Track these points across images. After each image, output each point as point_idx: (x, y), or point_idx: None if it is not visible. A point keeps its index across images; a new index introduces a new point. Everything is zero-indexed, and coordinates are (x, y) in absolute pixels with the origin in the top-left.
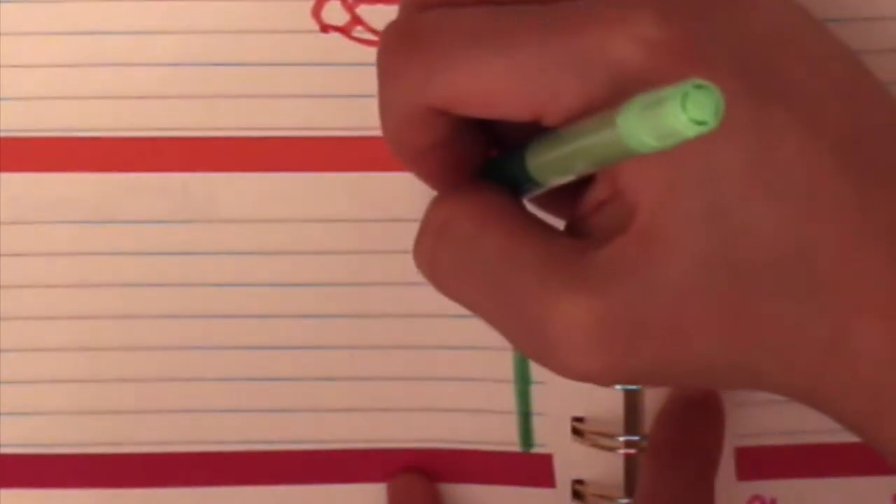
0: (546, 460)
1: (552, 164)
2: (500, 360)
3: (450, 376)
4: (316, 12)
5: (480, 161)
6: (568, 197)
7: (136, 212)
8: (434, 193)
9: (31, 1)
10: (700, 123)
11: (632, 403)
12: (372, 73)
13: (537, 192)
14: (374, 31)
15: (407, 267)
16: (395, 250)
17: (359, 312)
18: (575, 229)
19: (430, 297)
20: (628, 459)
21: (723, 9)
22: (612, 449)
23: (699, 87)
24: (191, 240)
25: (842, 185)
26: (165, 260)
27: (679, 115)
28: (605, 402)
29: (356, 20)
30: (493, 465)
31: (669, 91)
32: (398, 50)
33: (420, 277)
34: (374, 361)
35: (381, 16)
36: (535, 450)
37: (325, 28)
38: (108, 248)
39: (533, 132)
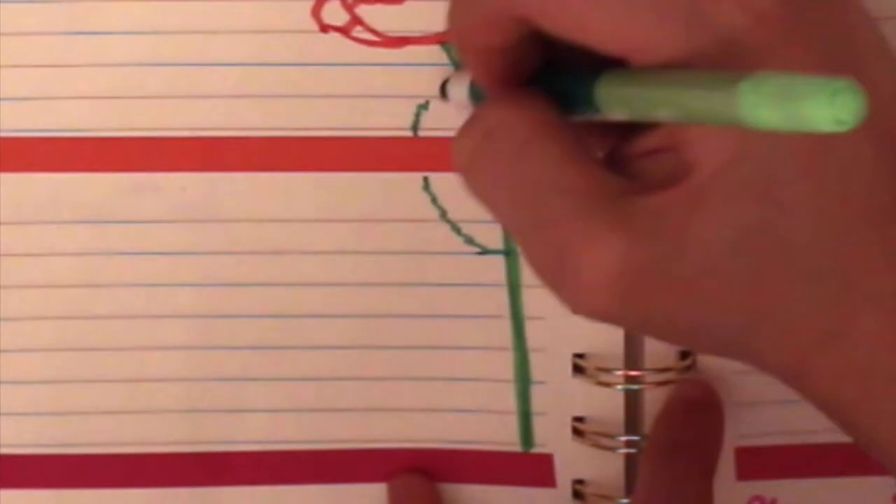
0: (546, 460)
1: (629, 100)
2: (500, 360)
3: (450, 376)
4: (316, 12)
5: (535, 68)
6: (612, 131)
7: (136, 212)
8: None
9: (31, 1)
10: (840, 123)
11: (632, 403)
12: (371, 73)
13: (590, 117)
14: (373, 31)
15: (407, 267)
16: (395, 251)
17: (359, 313)
18: (617, 166)
19: (431, 298)
20: (629, 459)
21: None
22: (612, 449)
23: (848, 87)
24: (190, 240)
25: (881, 193)
26: (165, 260)
27: (823, 109)
28: (606, 402)
29: (356, 20)
30: (493, 465)
31: (817, 83)
32: None
33: (420, 278)
34: (374, 361)
35: (381, 16)
36: (536, 450)
37: (324, 28)
38: (107, 248)
39: (597, 61)
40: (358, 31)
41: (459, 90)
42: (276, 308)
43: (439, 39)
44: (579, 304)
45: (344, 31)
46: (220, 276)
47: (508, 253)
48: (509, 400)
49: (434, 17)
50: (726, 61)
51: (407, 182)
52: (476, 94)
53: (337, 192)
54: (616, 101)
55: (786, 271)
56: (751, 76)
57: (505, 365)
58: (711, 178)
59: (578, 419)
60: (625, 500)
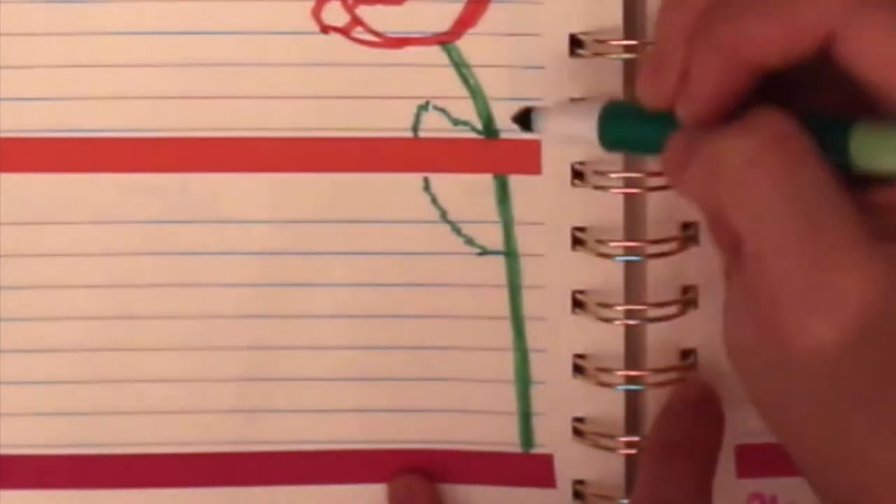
0: (547, 461)
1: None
2: (500, 360)
3: (450, 377)
4: (316, 13)
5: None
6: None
7: (136, 212)
8: None
9: (32, 2)
10: None
11: (632, 404)
12: (371, 73)
13: (843, 167)
14: (374, 32)
15: (407, 268)
16: (395, 251)
17: (359, 313)
18: (864, 209)
19: (431, 299)
20: (629, 459)
21: None
22: (612, 449)
23: None
24: (190, 240)
25: None
26: (165, 260)
27: None
28: (606, 402)
29: (356, 21)
30: (493, 466)
31: None
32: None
33: (420, 279)
34: (373, 362)
35: (381, 17)
36: (536, 450)
37: (325, 29)
38: (107, 248)
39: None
40: (358, 32)
41: (573, 124)
42: (276, 309)
43: (440, 40)
44: (816, 324)
45: (344, 31)
46: (220, 277)
47: (508, 254)
48: (509, 400)
49: (434, 18)
50: None
51: (407, 183)
52: (617, 132)
53: (337, 192)
54: (885, 157)
55: None
56: None
57: (505, 365)
58: None
59: (579, 419)
60: (625, 501)
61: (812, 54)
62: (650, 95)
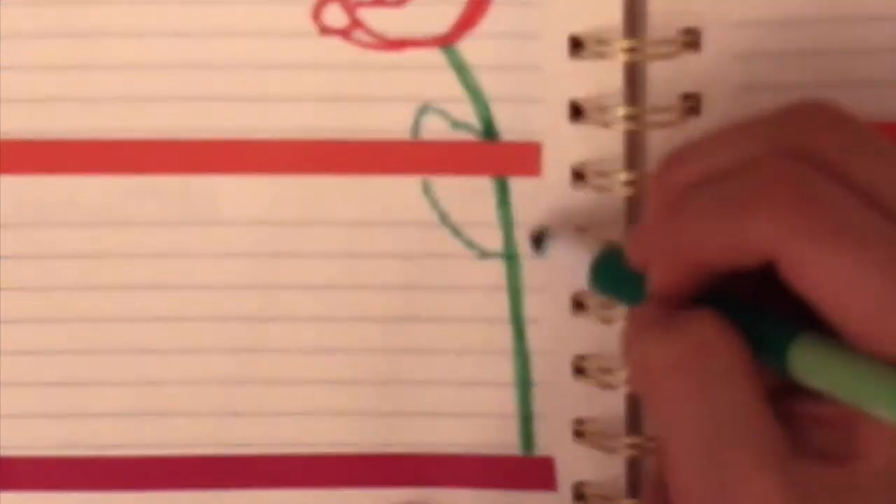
0: (548, 463)
1: (840, 383)
2: (500, 363)
3: (450, 380)
4: (316, 15)
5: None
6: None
7: (137, 214)
8: None
9: (32, 3)
10: None
11: (633, 405)
12: (370, 75)
13: (764, 361)
14: (373, 34)
15: (407, 271)
16: (395, 254)
17: (359, 316)
18: (781, 417)
19: (431, 301)
20: (630, 461)
21: None
22: (613, 450)
23: None
24: (191, 242)
25: None
26: (166, 262)
27: None
28: (607, 403)
29: (356, 23)
30: (494, 469)
31: None
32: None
33: (420, 282)
34: (373, 366)
35: (381, 19)
36: (537, 453)
37: (325, 31)
38: (108, 250)
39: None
40: (358, 34)
41: (574, 257)
42: (275, 311)
43: (439, 42)
44: None
45: (344, 33)
46: (220, 279)
47: (509, 256)
48: (510, 403)
49: (434, 21)
50: None
51: (407, 185)
52: (606, 268)
53: (337, 195)
54: (817, 375)
55: None
56: None
57: (505, 368)
58: (878, 472)
59: (579, 421)
60: (627, 502)
61: (759, 267)
62: (632, 255)
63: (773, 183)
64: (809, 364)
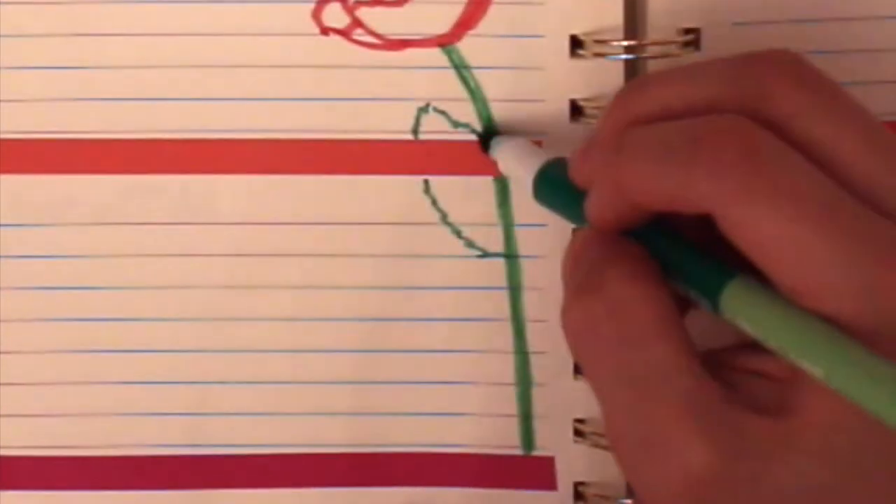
0: (548, 463)
1: (769, 328)
2: (501, 362)
3: (451, 379)
4: (316, 15)
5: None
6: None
7: (136, 213)
8: None
9: (32, 3)
10: None
11: None
12: (371, 75)
13: (692, 299)
14: (374, 34)
15: (408, 270)
16: (396, 254)
17: (359, 316)
18: (715, 367)
19: (431, 301)
20: None
21: None
22: None
23: None
24: (190, 241)
25: None
26: (165, 261)
27: None
28: None
29: (357, 23)
30: (494, 468)
31: None
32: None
33: (420, 281)
34: (373, 365)
35: (381, 19)
36: (537, 452)
37: (325, 31)
38: (107, 249)
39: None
40: (359, 34)
41: (516, 167)
42: (276, 311)
43: (440, 42)
44: (650, 494)
45: (345, 33)
46: (220, 279)
47: (509, 256)
48: (510, 402)
49: (435, 20)
50: (888, 350)
51: (407, 185)
52: (551, 180)
53: (337, 194)
54: (749, 319)
55: None
56: None
57: (506, 368)
58: (810, 428)
59: (580, 421)
60: (626, 501)
61: (697, 217)
62: (574, 174)
63: (718, 138)
64: (742, 306)
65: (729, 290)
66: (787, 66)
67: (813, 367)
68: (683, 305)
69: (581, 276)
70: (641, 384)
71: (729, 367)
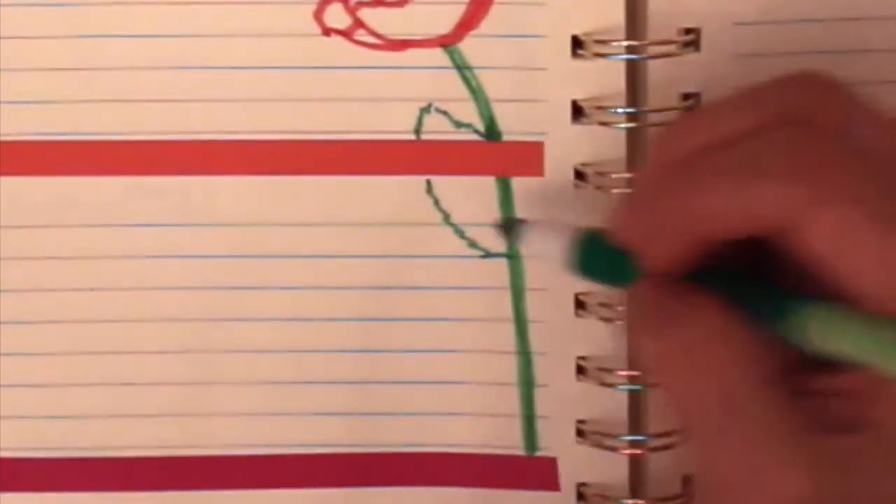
0: (550, 463)
1: (864, 347)
2: (503, 363)
3: (453, 380)
4: (318, 16)
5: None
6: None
7: (137, 215)
8: None
9: (33, 4)
10: None
11: (635, 404)
12: (373, 76)
13: (777, 335)
14: (376, 35)
15: (410, 271)
16: (398, 254)
17: (361, 316)
18: (795, 393)
19: (434, 301)
20: (633, 460)
21: None
22: (616, 450)
23: None
24: (191, 243)
25: None
26: (166, 263)
27: None
28: (609, 403)
29: (358, 24)
30: (497, 469)
31: None
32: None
33: (423, 281)
34: (375, 365)
35: (383, 19)
36: (540, 453)
37: (327, 31)
38: (108, 251)
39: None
40: (360, 35)
41: (549, 243)
42: (278, 311)
43: (442, 42)
44: None
45: (346, 34)
46: (222, 280)
47: (512, 256)
48: (513, 403)
49: (436, 20)
50: None
51: (410, 185)
52: (591, 258)
53: (339, 195)
54: (839, 341)
55: None
56: None
57: (508, 368)
58: (893, 440)
59: (582, 421)
60: (629, 501)
61: (769, 235)
62: (623, 231)
63: (783, 149)
64: (825, 330)
65: (808, 315)
66: (828, 82)
67: None
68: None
69: (653, 320)
70: (732, 414)
71: (803, 389)
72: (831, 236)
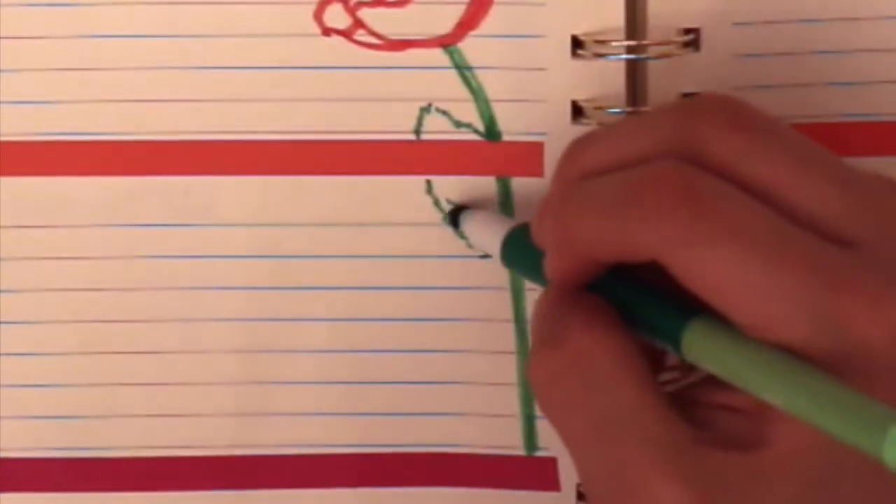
0: (550, 463)
1: (731, 368)
2: (503, 363)
3: (453, 379)
4: (318, 16)
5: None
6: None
7: (138, 215)
8: None
9: (33, 4)
10: None
11: None
12: (373, 76)
13: (658, 344)
14: (375, 35)
15: (410, 271)
16: (398, 254)
17: (361, 316)
18: (684, 405)
19: (433, 301)
20: None
21: None
22: None
23: None
24: (192, 243)
25: None
26: (167, 263)
27: None
28: None
29: (358, 24)
30: (497, 469)
31: None
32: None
33: (422, 282)
34: (375, 365)
35: (383, 19)
36: (540, 453)
37: (326, 31)
38: (109, 251)
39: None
40: (360, 35)
41: (483, 237)
42: (278, 311)
43: (441, 42)
44: None
45: (346, 34)
46: (222, 280)
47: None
48: (513, 403)
49: (436, 21)
50: (849, 372)
51: (409, 185)
52: (515, 252)
53: (339, 195)
54: (708, 358)
55: None
56: None
57: (508, 368)
58: (784, 458)
59: None
60: None
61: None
62: (534, 236)
63: (657, 184)
64: (702, 348)
65: (688, 332)
66: (719, 109)
67: (774, 399)
68: (654, 350)
69: (543, 332)
70: (610, 431)
71: (698, 403)
72: (699, 275)
